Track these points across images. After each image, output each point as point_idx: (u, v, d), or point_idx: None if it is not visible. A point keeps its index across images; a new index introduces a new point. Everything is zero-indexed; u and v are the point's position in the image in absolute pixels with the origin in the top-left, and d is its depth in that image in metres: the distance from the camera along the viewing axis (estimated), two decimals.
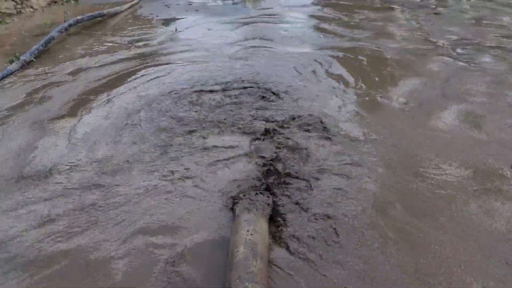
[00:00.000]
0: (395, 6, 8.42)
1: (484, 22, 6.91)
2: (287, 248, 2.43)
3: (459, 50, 5.55)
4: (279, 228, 2.58)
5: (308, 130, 3.67)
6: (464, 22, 6.95)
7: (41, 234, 2.57)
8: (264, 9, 8.77)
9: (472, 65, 5.04)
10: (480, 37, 6.08)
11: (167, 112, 4.10)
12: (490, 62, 5.15)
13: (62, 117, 4.15)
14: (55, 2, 9.87)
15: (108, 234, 2.56)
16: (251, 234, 2.29)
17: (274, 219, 2.65)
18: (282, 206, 2.75)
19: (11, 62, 5.48)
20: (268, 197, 2.77)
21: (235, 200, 2.76)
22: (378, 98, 4.32)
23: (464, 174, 3.03)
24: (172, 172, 3.14)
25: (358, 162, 3.20)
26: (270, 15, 8.06)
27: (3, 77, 5.13)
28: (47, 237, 2.54)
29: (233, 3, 9.57)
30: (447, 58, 5.30)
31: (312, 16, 7.90)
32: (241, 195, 2.80)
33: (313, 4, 8.98)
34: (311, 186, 2.93)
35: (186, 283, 2.22)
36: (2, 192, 3.02)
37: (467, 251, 2.35)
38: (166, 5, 9.32)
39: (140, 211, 2.74)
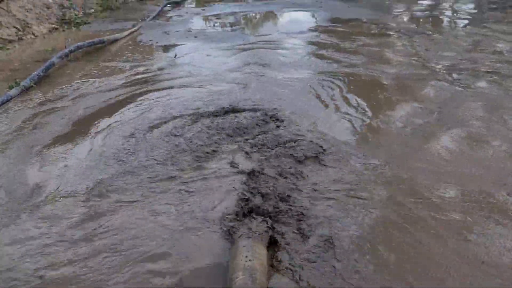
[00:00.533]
0: (392, 33, 8.53)
1: (480, 48, 6.98)
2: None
3: (455, 75, 5.59)
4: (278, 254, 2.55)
5: (305, 156, 3.67)
6: (459, 48, 7.02)
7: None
8: (262, 35, 8.88)
9: (468, 90, 5.08)
10: (475, 62, 6.12)
11: (165, 137, 4.11)
12: (486, 87, 5.18)
13: (56, 144, 4.16)
14: (56, 29, 10.02)
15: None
16: (249, 260, 2.26)
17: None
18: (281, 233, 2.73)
19: (11, 87, 5.51)
20: (267, 222, 2.73)
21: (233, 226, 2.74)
22: (376, 122, 4.33)
23: (462, 199, 3.01)
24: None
25: (356, 187, 3.19)
26: (268, 41, 8.15)
27: (3, 103, 5.15)
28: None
29: (232, 30, 9.70)
30: (443, 83, 5.33)
31: (309, 42, 7.99)
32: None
33: (310, 30, 9.10)
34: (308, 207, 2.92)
35: None
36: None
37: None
38: (165, 32, 9.44)
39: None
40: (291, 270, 2.38)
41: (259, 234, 2.58)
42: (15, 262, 2.53)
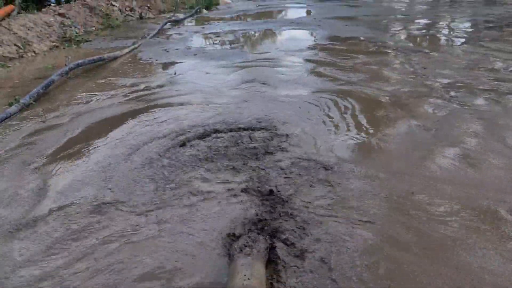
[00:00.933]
0: (389, 51, 8.62)
1: (477, 66, 7.03)
2: None
3: (452, 93, 5.63)
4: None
5: (306, 171, 3.68)
6: (457, 66, 7.08)
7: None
8: (261, 53, 8.95)
9: (465, 107, 5.11)
10: (473, 80, 6.17)
11: (162, 155, 4.12)
12: (483, 105, 5.21)
13: (53, 161, 4.16)
14: (57, 46, 10.11)
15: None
16: (248, 279, 2.25)
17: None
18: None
19: (11, 105, 5.54)
20: (265, 239, 2.72)
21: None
22: (374, 140, 4.34)
23: (461, 215, 3.02)
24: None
25: (356, 205, 3.19)
26: (267, 59, 8.23)
27: (2, 120, 5.14)
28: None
29: (231, 48, 9.77)
30: (441, 101, 5.37)
31: (308, 60, 8.06)
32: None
33: (309, 48, 9.18)
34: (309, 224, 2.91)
35: None
36: None
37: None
38: (165, 50, 9.52)
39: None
40: None
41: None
42: None
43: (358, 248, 2.69)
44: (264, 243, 2.65)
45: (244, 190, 3.43)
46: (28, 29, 9.88)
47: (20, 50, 9.04)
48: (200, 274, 2.50)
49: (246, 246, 2.57)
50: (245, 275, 2.23)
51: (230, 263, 2.51)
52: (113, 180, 3.67)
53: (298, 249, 2.68)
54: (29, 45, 9.39)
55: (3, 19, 9.53)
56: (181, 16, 15.45)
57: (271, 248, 2.67)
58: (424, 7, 16.69)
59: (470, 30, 11.13)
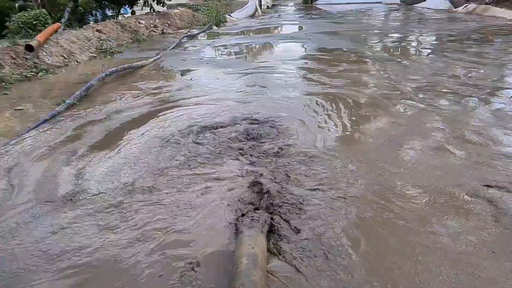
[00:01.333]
0: (368, 60, 8.60)
1: (440, 72, 7.02)
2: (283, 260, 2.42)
3: (420, 95, 5.64)
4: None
5: (296, 158, 3.71)
6: (424, 73, 7.07)
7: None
8: (261, 62, 8.92)
9: (431, 107, 5.12)
10: (437, 84, 6.18)
11: (188, 140, 4.19)
12: (446, 105, 5.22)
13: (94, 150, 4.21)
14: (95, 57, 10.11)
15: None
16: (252, 248, 2.26)
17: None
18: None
19: (59, 104, 5.58)
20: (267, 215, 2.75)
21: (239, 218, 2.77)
22: (356, 134, 4.39)
23: (431, 197, 3.05)
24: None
25: (332, 188, 3.22)
26: (266, 67, 8.21)
27: (52, 116, 5.23)
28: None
29: (236, 57, 9.76)
30: (411, 102, 5.38)
31: (300, 68, 8.05)
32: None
33: (301, 58, 9.16)
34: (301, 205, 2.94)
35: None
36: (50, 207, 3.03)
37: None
38: (182, 59, 9.52)
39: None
40: None
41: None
42: None
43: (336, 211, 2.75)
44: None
45: (250, 163, 3.53)
46: (72, 43, 9.88)
47: (66, 60, 9.06)
48: None
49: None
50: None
51: None
52: (150, 160, 3.74)
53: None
54: (72, 55, 9.40)
55: (52, 34, 9.52)
56: (195, 31, 15.39)
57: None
58: (397, 23, 16.59)
59: (435, 42, 11.09)
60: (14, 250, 2.57)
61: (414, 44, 11.01)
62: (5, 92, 6.70)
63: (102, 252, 2.50)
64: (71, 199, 3.19)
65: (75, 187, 3.38)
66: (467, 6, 18.36)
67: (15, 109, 5.79)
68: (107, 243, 2.60)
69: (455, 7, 19.53)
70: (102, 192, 3.27)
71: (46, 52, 8.76)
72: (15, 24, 10.08)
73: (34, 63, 8.15)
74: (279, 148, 3.96)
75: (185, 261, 2.40)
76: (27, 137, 4.62)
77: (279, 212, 2.87)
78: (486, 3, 17.02)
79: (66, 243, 2.62)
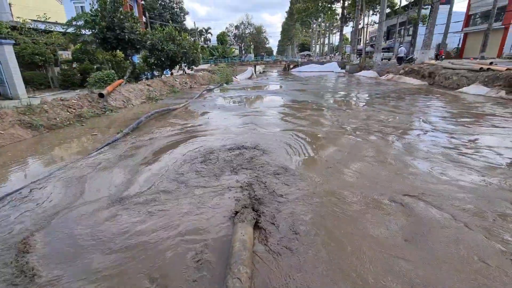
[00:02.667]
0: (323, 108, 8.72)
1: (371, 118, 7.10)
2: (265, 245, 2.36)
3: (358, 133, 5.69)
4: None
5: (275, 173, 3.69)
6: (360, 118, 7.15)
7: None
8: (254, 108, 9.03)
9: (365, 141, 5.16)
10: (369, 126, 6.24)
11: (207, 159, 4.14)
12: (374, 139, 5.25)
13: (143, 164, 4.16)
14: (145, 102, 10.16)
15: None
16: (243, 235, 2.22)
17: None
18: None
19: (118, 133, 5.55)
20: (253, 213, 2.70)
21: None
22: (314, 157, 4.40)
23: (364, 201, 3.04)
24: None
25: (299, 194, 3.18)
26: (258, 111, 8.28)
27: (114, 141, 5.22)
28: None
29: (238, 104, 9.85)
30: (351, 137, 5.42)
31: (280, 112, 8.13)
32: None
33: (280, 106, 9.29)
34: (277, 208, 2.90)
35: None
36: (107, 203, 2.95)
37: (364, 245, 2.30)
38: (203, 105, 9.59)
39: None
40: None
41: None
42: None
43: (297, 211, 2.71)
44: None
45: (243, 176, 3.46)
46: (130, 92, 9.95)
47: (125, 103, 9.10)
48: None
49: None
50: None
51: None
52: (175, 172, 3.69)
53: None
54: (129, 100, 9.44)
55: (117, 86, 9.59)
56: (212, 87, 15.61)
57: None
58: (343, 85, 16.93)
59: (367, 98, 11.24)
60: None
61: (354, 98, 11.17)
62: (82, 124, 6.67)
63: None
64: (121, 198, 3.13)
65: (124, 188, 3.32)
66: (387, 75, 18.95)
67: (92, 134, 5.75)
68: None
69: (380, 76, 20.13)
70: (144, 191, 3.22)
71: (112, 98, 8.80)
72: (93, 79, 10.17)
73: (104, 105, 8.17)
74: (262, 163, 3.96)
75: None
76: (94, 154, 4.58)
77: (263, 203, 2.85)
78: (400, 74, 17.57)
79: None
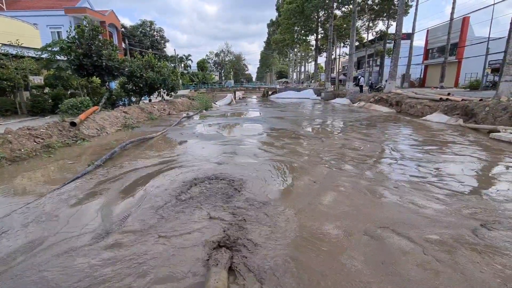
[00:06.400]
0: (301, 137, 8.92)
1: (345, 146, 7.37)
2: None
3: (333, 162, 5.86)
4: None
5: (253, 203, 3.70)
6: (335, 146, 7.38)
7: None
8: (233, 136, 9.10)
9: (339, 170, 5.33)
10: (343, 154, 6.46)
11: (180, 192, 4.04)
12: (349, 168, 5.43)
13: (115, 197, 4.00)
14: (120, 129, 9.92)
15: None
16: (216, 282, 2.16)
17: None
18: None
19: (89, 165, 5.34)
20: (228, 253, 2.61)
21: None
22: (290, 187, 4.46)
23: (336, 228, 3.11)
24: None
25: (276, 220, 3.21)
26: (236, 140, 8.32)
27: (83, 175, 4.98)
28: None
29: (217, 133, 9.83)
30: (327, 166, 5.58)
31: (258, 140, 8.22)
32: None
33: (258, 134, 9.41)
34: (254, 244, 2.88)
35: None
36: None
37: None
38: (180, 133, 9.52)
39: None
40: None
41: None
42: None
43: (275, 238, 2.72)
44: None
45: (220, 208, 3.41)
46: (104, 120, 9.71)
47: (98, 131, 8.83)
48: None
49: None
50: None
51: None
52: (151, 204, 3.57)
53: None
54: (103, 128, 9.19)
55: (91, 114, 9.35)
56: (191, 113, 15.65)
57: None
58: (319, 112, 17.58)
59: (342, 125, 11.66)
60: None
61: (330, 127, 11.52)
62: (50, 155, 6.36)
63: None
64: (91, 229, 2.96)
65: (96, 222, 3.16)
66: (359, 102, 20.15)
67: (68, 163, 5.50)
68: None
69: (353, 103, 21.36)
70: (115, 223, 3.08)
71: (84, 126, 8.52)
72: (65, 106, 9.87)
73: (75, 134, 7.88)
74: (239, 197, 3.96)
75: None
76: (63, 189, 4.36)
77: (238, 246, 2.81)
78: (370, 102, 18.77)
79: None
